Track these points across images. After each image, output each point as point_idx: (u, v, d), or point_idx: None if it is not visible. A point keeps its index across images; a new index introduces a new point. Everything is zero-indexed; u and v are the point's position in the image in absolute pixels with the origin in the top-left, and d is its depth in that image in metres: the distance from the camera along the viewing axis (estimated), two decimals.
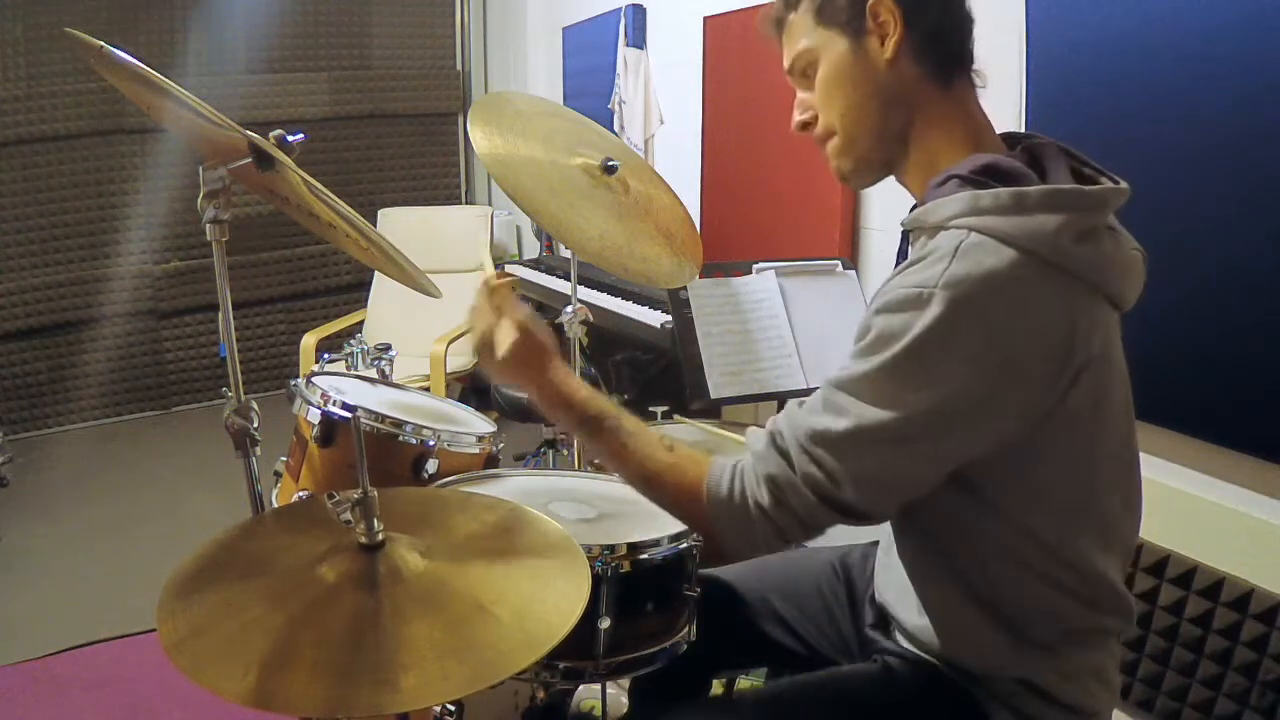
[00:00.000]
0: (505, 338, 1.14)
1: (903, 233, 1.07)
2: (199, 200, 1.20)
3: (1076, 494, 0.98)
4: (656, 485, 1.04)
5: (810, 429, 0.94)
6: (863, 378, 0.91)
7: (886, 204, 2.53)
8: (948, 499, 0.98)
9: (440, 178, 4.97)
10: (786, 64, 1.09)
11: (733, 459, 1.02)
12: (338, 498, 0.99)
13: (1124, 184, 0.98)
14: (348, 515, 0.99)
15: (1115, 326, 0.98)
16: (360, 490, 0.98)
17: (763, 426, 1.03)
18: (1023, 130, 1.09)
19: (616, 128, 3.76)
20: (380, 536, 0.99)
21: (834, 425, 0.92)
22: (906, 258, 1.05)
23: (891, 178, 1.08)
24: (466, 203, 5.02)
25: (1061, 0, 1.86)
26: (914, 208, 1.08)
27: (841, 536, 1.20)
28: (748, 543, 0.99)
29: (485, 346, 1.16)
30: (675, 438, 1.09)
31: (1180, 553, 1.73)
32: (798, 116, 1.09)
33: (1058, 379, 0.90)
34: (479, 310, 1.19)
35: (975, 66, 1.02)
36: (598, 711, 1.73)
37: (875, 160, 1.06)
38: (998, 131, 1.05)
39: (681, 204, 1.84)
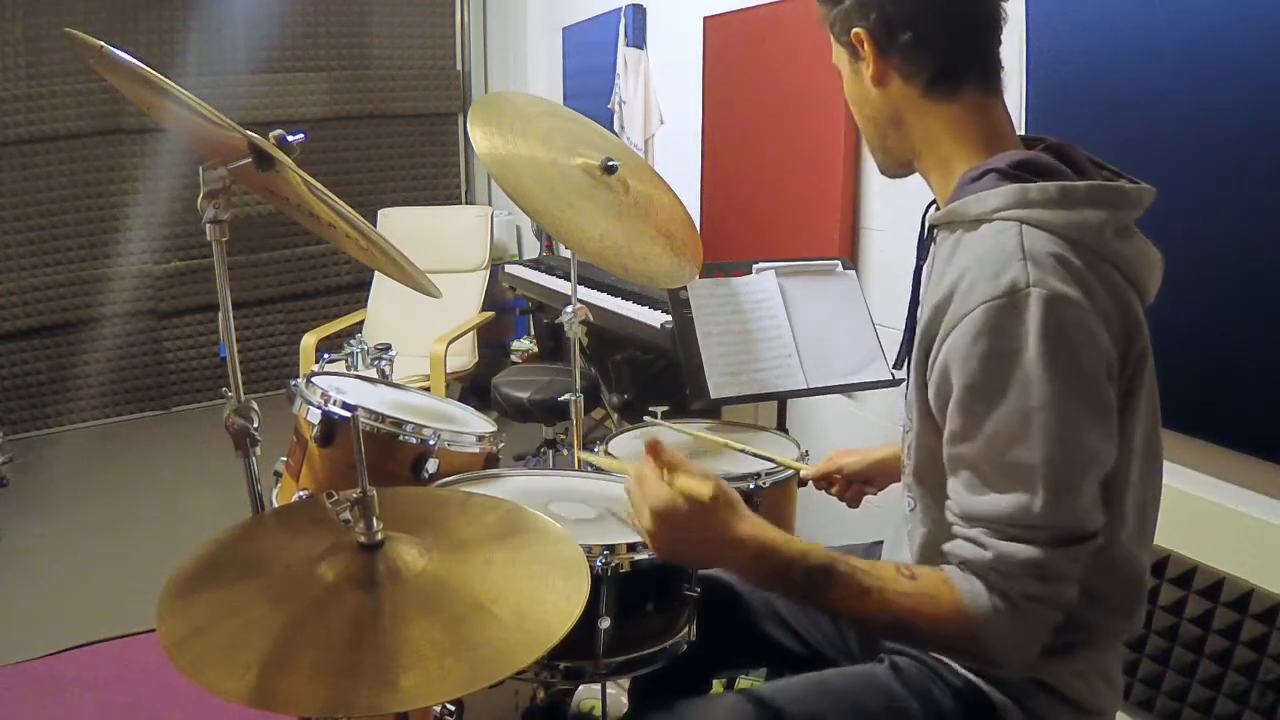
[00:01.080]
0: (686, 500, 0.97)
1: (927, 229, 1.06)
2: (199, 200, 1.20)
3: (1121, 488, 0.97)
4: (910, 623, 0.93)
5: (1010, 511, 0.88)
6: (1012, 420, 0.87)
7: (886, 204, 2.53)
8: None
9: (440, 178, 4.97)
10: None
11: (964, 570, 0.92)
12: (337, 497, 0.99)
13: (1150, 186, 0.99)
14: (347, 515, 0.99)
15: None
16: (360, 490, 0.98)
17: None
18: (1022, 131, 1.09)
19: (616, 128, 3.76)
20: (380, 536, 0.99)
21: (1029, 495, 0.87)
22: (928, 255, 1.05)
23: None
24: (466, 203, 5.02)
25: (1061, 0, 1.86)
26: (931, 204, 1.08)
27: (842, 536, 1.20)
28: (1037, 638, 0.92)
29: (665, 517, 0.98)
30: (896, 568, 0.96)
31: (1180, 553, 1.73)
32: None
33: (1125, 368, 0.92)
34: (643, 481, 1.00)
35: (989, 69, 1.01)
36: (598, 711, 1.73)
37: (892, 163, 1.10)
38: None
39: (681, 204, 1.84)
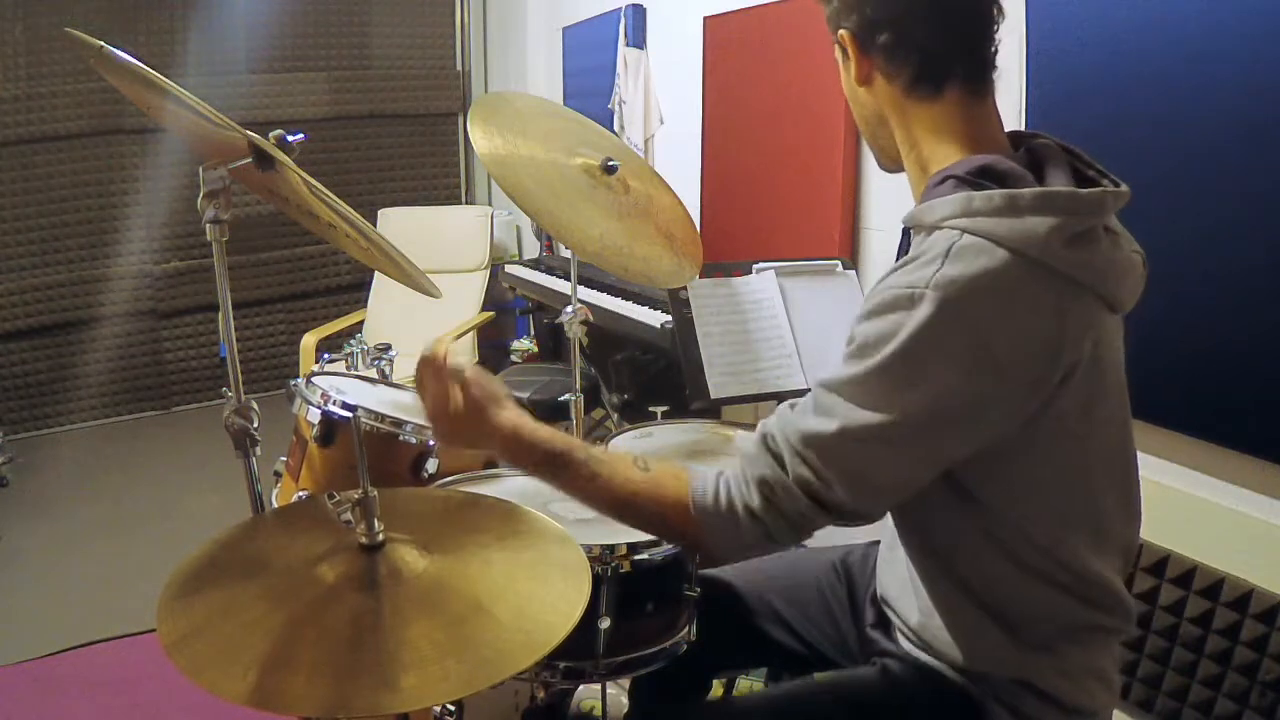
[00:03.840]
0: (452, 397, 1.10)
1: (904, 230, 1.07)
2: (199, 200, 1.21)
3: (1067, 495, 0.99)
4: (635, 506, 1.03)
5: (801, 431, 0.94)
6: (853, 380, 0.91)
7: (886, 204, 2.53)
8: (940, 499, 0.99)
9: (440, 178, 4.97)
10: None
11: (714, 468, 1.01)
12: (338, 498, 0.99)
13: (1124, 186, 0.98)
14: (348, 515, 0.99)
15: (1113, 329, 0.98)
16: (360, 490, 0.98)
17: (753, 429, 1.03)
18: (1023, 130, 1.09)
19: (616, 128, 3.76)
20: (380, 536, 0.99)
21: (824, 427, 0.92)
22: (907, 254, 1.06)
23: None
24: (466, 203, 5.01)
25: (1061, 0, 1.87)
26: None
27: (842, 536, 1.20)
28: (737, 546, 1.00)
29: (438, 414, 1.11)
30: (650, 454, 1.08)
31: (1180, 553, 1.73)
32: None
33: (1046, 381, 0.91)
34: (421, 383, 1.13)
35: (975, 70, 1.01)
36: (598, 711, 1.73)
37: (886, 159, 1.11)
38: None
39: (681, 204, 1.84)
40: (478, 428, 1.09)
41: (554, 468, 1.06)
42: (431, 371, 1.12)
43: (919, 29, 0.98)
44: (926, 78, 1.00)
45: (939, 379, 0.88)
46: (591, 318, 2.04)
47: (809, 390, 0.99)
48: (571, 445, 1.06)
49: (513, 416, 1.09)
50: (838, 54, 1.07)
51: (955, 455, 0.94)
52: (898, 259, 1.10)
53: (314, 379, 1.61)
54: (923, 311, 0.87)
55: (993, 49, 1.01)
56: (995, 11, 1.00)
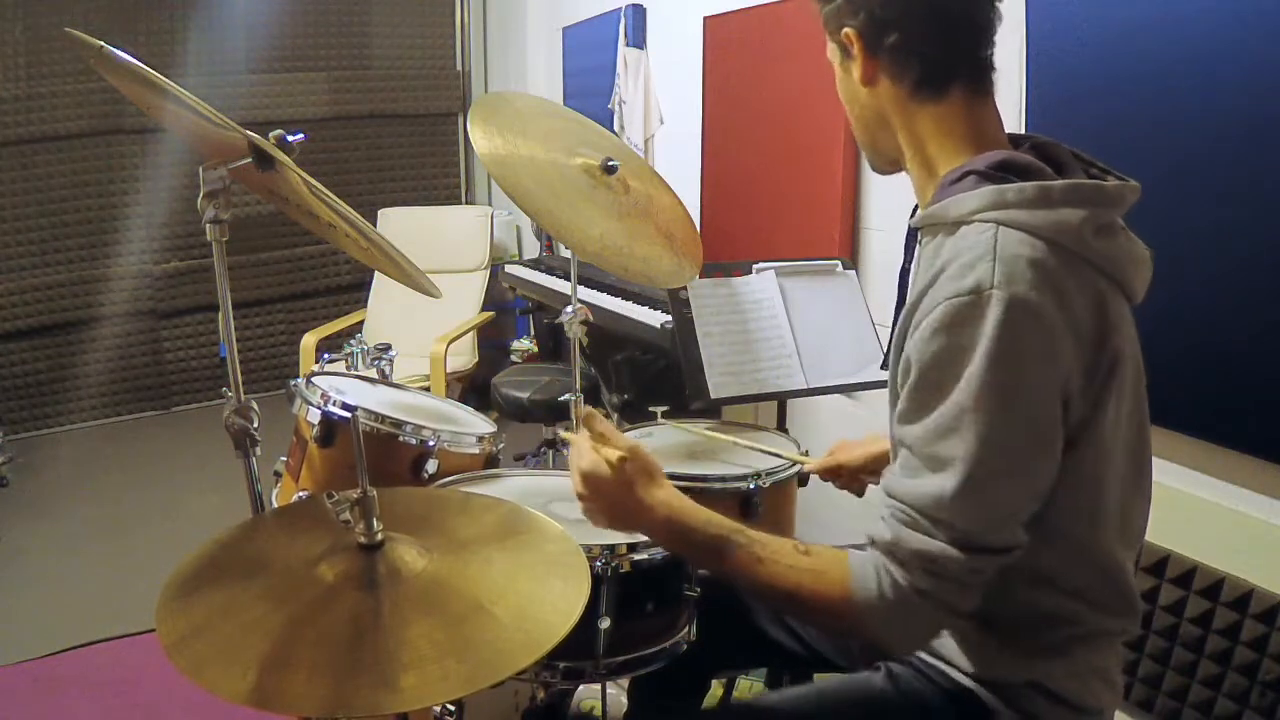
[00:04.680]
0: (604, 464, 1.04)
1: (910, 232, 1.07)
2: (199, 200, 1.20)
3: (1098, 488, 0.98)
4: (800, 600, 0.97)
5: (927, 495, 0.89)
6: (948, 414, 0.87)
7: (886, 204, 2.53)
8: None
9: (440, 178, 4.97)
10: None
11: (870, 553, 0.95)
12: (337, 498, 0.99)
13: (1134, 182, 0.98)
14: (347, 515, 0.99)
15: (1131, 319, 0.99)
16: (360, 490, 0.98)
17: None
18: (1022, 131, 1.09)
19: (616, 128, 3.76)
20: (380, 536, 0.99)
21: (947, 484, 0.88)
22: (914, 257, 1.05)
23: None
24: (466, 203, 5.02)
25: (1061, 0, 1.86)
26: (916, 206, 1.08)
27: (842, 536, 1.20)
28: (920, 634, 0.95)
29: (589, 492, 1.06)
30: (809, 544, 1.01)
31: (1180, 553, 1.73)
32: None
33: (1098, 370, 0.91)
34: (577, 449, 1.08)
35: (978, 71, 1.01)
36: (598, 711, 1.73)
37: (882, 161, 1.10)
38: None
39: (681, 204, 1.84)
40: (630, 505, 1.05)
41: (715, 552, 1.00)
42: (581, 448, 1.07)
43: (928, 29, 0.98)
44: (932, 78, 0.99)
45: (1031, 378, 0.87)
46: (591, 318, 2.04)
47: (898, 442, 0.95)
48: (733, 528, 1.00)
49: (669, 496, 1.04)
50: (833, 55, 1.06)
51: (1060, 453, 0.92)
52: (906, 263, 1.10)
53: (314, 379, 1.61)
54: (994, 314, 0.85)
55: (992, 50, 1.01)
56: (995, 14, 1.00)
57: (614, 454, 1.05)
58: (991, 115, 1.02)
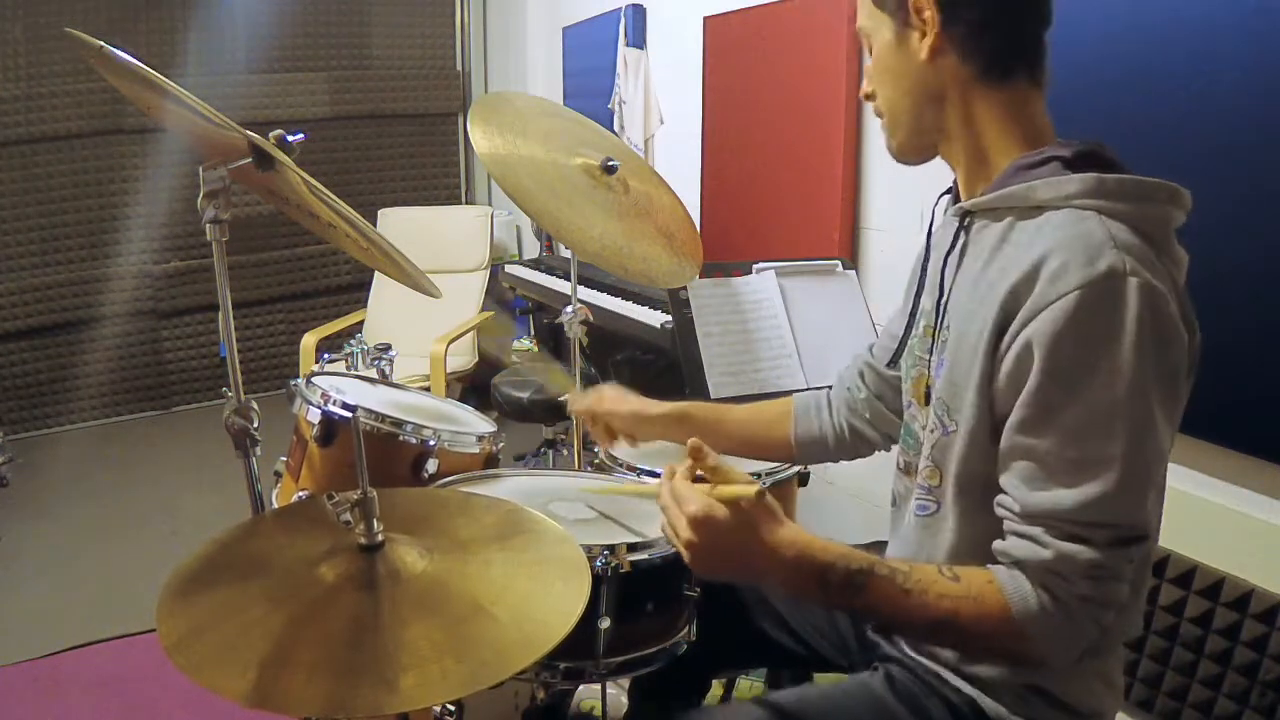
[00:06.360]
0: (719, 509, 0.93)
1: (961, 215, 1.03)
2: (199, 200, 1.20)
3: (1162, 486, 0.97)
4: (956, 627, 0.90)
5: (1078, 506, 0.86)
6: (1098, 411, 0.85)
7: (886, 204, 2.53)
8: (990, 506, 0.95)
9: (440, 178, 4.97)
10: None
11: (1013, 570, 0.90)
12: (337, 498, 0.99)
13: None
14: (347, 515, 0.99)
15: None
16: (360, 490, 0.98)
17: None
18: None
19: (616, 128, 3.76)
20: (380, 537, 0.99)
21: (1102, 488, 0.85)
22: (958, 245, 1.02)
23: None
24: (466, 203, 5.01)
25: (1061, 0, 1.86)
26: (947, 191, 1.06)
27: (842, 536, 1.19)
28: (1086, 638, 0.90)
29: (698, 541, 0.93)
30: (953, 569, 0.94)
31: (1180, 553, 1.73)
32: (864, 87, 1.09)
33: (1194, 361, 0.94)
34: (676, 491, 0.96)
35: (1039, 60, 1.01)
36: (598, 711, 1.73)
37: (916, 145, 1.06)
38: None
39: (681, 204, 1.84)
40: (754, 548, 0.93)
41: (853, 589, 0.91)
42: (682, 490, 0.95)
43: (1007, 12, 0.98)
44: (1002, 62, 0.98)
45: (1177, 361, 0.88)
46: (591, 318, 2.04)
47: (1013, 443, 0.90)
48: (872, 560, 0.92)
49: (795, 534, 0.94)
50: (879, 24, 1.02)
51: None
52: (929, 244, 1.08)
53: (314, 379, 1.61)
54: (1134, 299, 0.84)
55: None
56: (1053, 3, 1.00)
57: (737, 491, 0.93)
58: (1043, 110, 1.02)
